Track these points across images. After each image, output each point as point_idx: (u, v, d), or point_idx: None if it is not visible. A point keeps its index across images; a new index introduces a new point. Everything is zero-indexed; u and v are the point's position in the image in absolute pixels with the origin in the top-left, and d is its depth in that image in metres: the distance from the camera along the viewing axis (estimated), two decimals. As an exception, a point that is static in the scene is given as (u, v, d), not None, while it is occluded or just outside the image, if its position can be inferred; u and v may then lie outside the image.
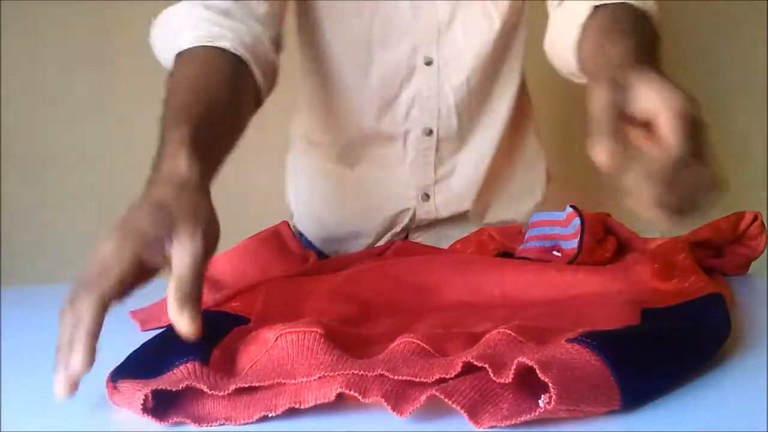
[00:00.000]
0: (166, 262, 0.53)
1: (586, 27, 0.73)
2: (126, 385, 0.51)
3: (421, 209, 0.99)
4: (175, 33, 0.74)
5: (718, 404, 0.51)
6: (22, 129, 1.65)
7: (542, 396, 0.44)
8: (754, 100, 1.61)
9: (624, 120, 0.52)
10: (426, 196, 0.99)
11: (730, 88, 1.62)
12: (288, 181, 1.12)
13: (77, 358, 0.50)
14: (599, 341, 0.48)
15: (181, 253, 0.52)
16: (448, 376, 0.47)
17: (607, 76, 0.55)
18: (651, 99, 0.52)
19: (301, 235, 1.10)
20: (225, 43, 0.72)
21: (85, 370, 0.50)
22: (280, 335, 0.52)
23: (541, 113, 1.12)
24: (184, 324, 0.51)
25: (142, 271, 0.53)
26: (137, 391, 0.49)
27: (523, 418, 0.44)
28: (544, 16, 0.90)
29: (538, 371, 0.44)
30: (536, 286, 0.68)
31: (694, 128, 0.51)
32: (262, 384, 0.49)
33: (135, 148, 1.72)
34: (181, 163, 0.58)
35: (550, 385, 0.44)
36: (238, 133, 0.72)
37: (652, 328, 0.55)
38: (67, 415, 0.54)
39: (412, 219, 1.00)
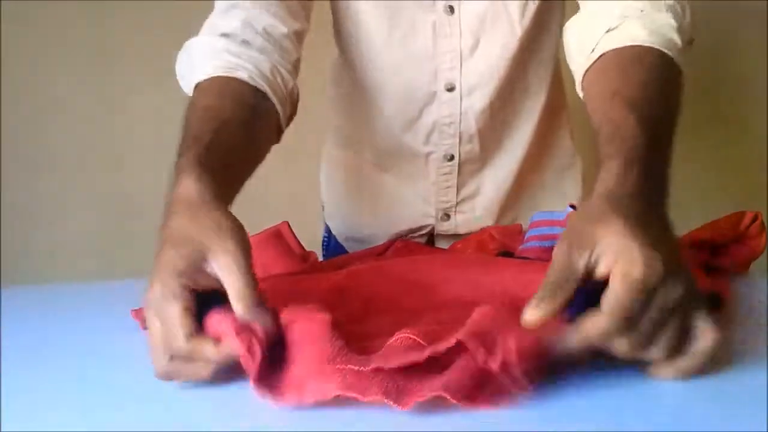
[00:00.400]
0: (215, 281, 0.53)
1: (590, 77, 0.69)
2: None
3: (440, 227, 0.98)
4: (195, 64, 0.75)
5: (718, 404, 0.51)
6: (22, 129, 1.65)
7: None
8: (754, 100, 1.61)
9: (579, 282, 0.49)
10: (446, 216, 0.98)
11: (730, 88, 1.62)
12: (322, 173, 1.09)
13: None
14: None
15: (226, 273, 0.52)
16: (439, 352, 0.47)
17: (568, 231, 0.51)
18: (609, 265, 0.48)
19: (328, 231, 1.09)
20: (243, 74, 0.73)
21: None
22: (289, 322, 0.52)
23: (574, 112, 1.08)
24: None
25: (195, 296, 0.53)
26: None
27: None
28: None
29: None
30: (537, 285, 0.67)
31: (642, 296, 0.47)
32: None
33: (135, 149, 1.73)
34: (191, 186, 0.57)
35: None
36: (254, 158, 0.72)
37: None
38: (67, 415, 0.54)
39: (431, 234, 1.00)
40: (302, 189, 1.38)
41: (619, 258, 0.47)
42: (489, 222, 0.98)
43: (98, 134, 1.67)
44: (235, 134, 0.67)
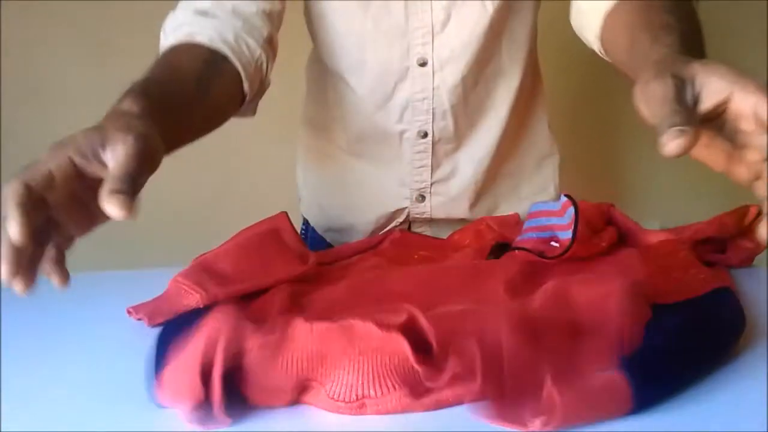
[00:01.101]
0: (104, 168, 0.53)
1: (613, 16, 0.73)
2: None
3: (415, 210, 0.99)
4: (163, 35, 0.78)
5: (721, 399, 0.51)
6: (22, 129, 1.65)
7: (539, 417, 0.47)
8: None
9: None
10: (421, 197, 0.98)
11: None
12: (298, 166, 1.10)
13: (12, 226, 0.49)
14: (630, 360, 0.50)
15: (114, 154, 0.52)
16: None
17: (662, 69, 0.51)
18: (720, 83, 0.48)
19: (306, 222, 1.09)
20: (203, 39, 0.75)
21: (21, 239, 0.48)
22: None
23: (552, 104, 1.09)
24: (114, 211, 0.49)
25: (77, 175, 0.53)
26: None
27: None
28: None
29: (555, 394, 0.47)
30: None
31: None
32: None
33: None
34: (123, 103, 0.59)
35: (557, 411, 0.46)
36: (208, 111, 0.73)
37: (668, 335, 0.55)
38: (67, 415, 0.54)
39: (407, 218, 1.00)
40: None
41: (732, 77, 0.47)
42: (464, 206, 0.98)
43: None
44: (185, 80, 0.69)
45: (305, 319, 0.54)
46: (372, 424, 0.49)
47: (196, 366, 0.50)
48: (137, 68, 1.67)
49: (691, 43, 0.59)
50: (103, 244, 1.68)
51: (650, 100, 0.49)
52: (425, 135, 0.93)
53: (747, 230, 0.80)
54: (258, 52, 0.80)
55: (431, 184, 0.97)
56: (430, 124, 0.92)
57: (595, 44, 0.79)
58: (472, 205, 0.99)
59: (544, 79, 1.04)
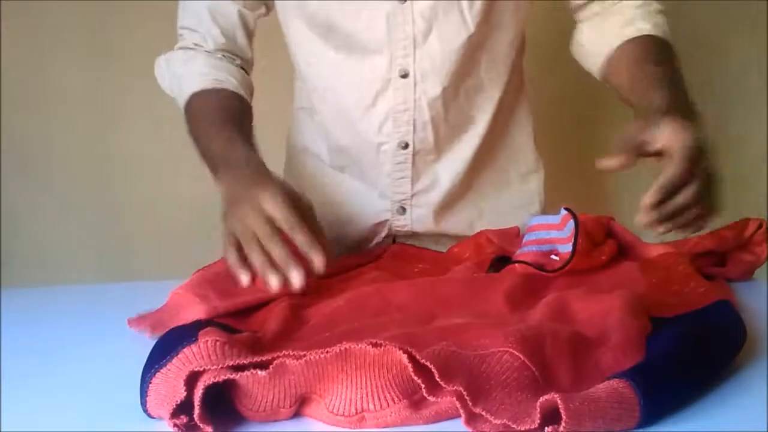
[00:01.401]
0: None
1: (618, 54, 0.91)
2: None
3: (396, 222, 0.99)
4: (185, 76, 0.95)
5: (722, 412, 0.51)
6: (22, 129, 1.65)
7: (546, 428, 0.47)
8: (754, 100, 1.60)
9: (640, 153, 0.70)
10: (402, 209, 0.98)
11: (730, 88, 1.61)
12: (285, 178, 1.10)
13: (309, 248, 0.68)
14: (635, 371, 0.51)
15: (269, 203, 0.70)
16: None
17: (639, 117, 0.75)
18: (668, 137, 0.70)
19: None
20: (229, 87, 0.95)
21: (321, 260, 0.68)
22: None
23: (542, 114, 1.10)
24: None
25: None
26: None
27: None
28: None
29: (560, 404, 0.46)
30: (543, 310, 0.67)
31: (699, 158, 0.69)
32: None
33: (135, 149, 1.72)
34: (245, 151, 0.82)
35: (563, 418, 0.46)
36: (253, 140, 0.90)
37: (670, 347, 0.56)
38: (67, 415, 0.55)
39: (390, 233, 0.99)
40: None
41: (677, 133, 0.69)
42: (445, 218, 0.99)
43: (99, 135, 1.67)
44: (241, 121, 0.91)
45: (297, 350, 0.53)
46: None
47: (181, 379, 0.50)
48: (136, 72, 1.67)
49: (676, 89, 0.81)
50: (104, 256, 1.69)
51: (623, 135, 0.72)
52: (406, 146, 0.94)
53: (747, 243, 0.80)
54: (250, 81, 1.01)
55: (411, 196, 0.97)
56: (411, 135, 0.93)
57: (596, 75, 0.97)
58: (454, 218, 0.99)
59: (534, 95, 1.05)
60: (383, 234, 0.99)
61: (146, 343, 0.67)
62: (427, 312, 0.66)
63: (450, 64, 0.91)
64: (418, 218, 0.98)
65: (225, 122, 0.87)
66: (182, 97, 0.94)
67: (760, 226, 0.80)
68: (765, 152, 1.58)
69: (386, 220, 0.99)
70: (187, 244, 1.61)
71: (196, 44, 0.97)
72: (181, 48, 0.98)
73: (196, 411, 0.50)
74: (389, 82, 0.92)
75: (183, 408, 0.50)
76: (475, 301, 0.69)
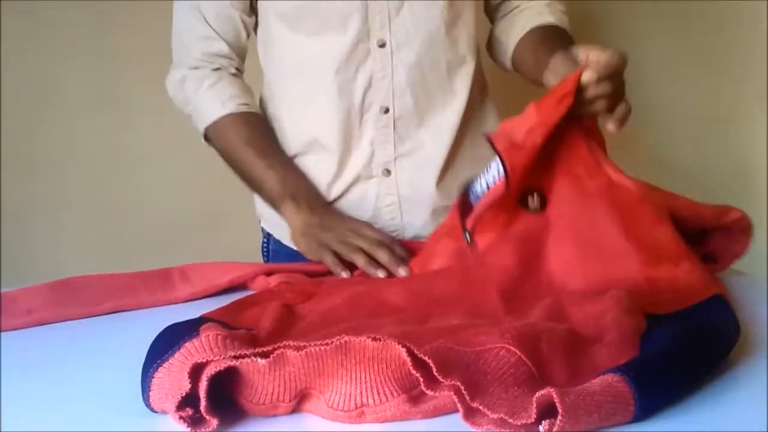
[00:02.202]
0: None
1: (525, 37, 1.05)
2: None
3: (383, 185, 1.04)
4: (212, 99, 1.05)
5: (720, 407, 0.51)
6: (22, 129, 1.65)
7: (543, 422, 0.47)
8: (754, 100, 1.60)
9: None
10: (387, 171, 1.03)
11: (730, 88, 1.62)
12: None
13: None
14: (629, 366, 0.51)
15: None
16: None
17: (558, 53, 0.89)
18: (591, 49, 0.83)
19: (267, 235, 1.14)
20: (253, 109, 1.07)
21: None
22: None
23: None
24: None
25: None
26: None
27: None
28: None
29: (555, 399, 0.47)
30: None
31: (621, 64, 0.81)
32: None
33: (135, 149, 1.73)
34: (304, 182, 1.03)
35: (560, 412, 0.47)
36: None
37: (665, 343, 0.56)
38: (67, 415, 0.55)
39: (378, 198, 1.04)
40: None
41: (595, 47, 0.82)
42: (430, 181, 1.04)
43: (98, 135, 1.67)
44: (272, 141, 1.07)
45: (297, 341, 0.54)
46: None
47: (185, 372, 0.51)
48: (137, 69, 1.66)
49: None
50: (104, 256, 1.69)
51: (557, 72, 0.86)
52: (387, 110, 1.02)
53: (728, 230, 0.80)
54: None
55: (395, 159, 1.03)
56: (391, 100, 1.01)
57: (507, 64, 1.10)
58: (438, 182, 1.04)
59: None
60: (370, 203, 1.04)
61: (146, 342, 0.68)
62: (422, 312, 0.66)
63: (423, 34, 1.01)
64: (404, 180, 1.03)
65: (273, 148, 1.04)
66: (208, 118, 1.04)
67: (741, 217, 0.80)
68: (766, 149, 1.57)
69: (374, 177, 1.03)
70: (187, 244, 1.62)
71: (212, 55, 1.05)
72: (194, 63, 1.06)
73: (202, 402, 0.50)
74: (368, 51, 1.00)
75: (187, 401, 0.51)
76: (469, 297, 0.70)
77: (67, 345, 0.72)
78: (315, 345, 0.52)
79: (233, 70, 1.07)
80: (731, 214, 0.80)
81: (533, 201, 0.80)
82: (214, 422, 0.51)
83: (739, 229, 0.81)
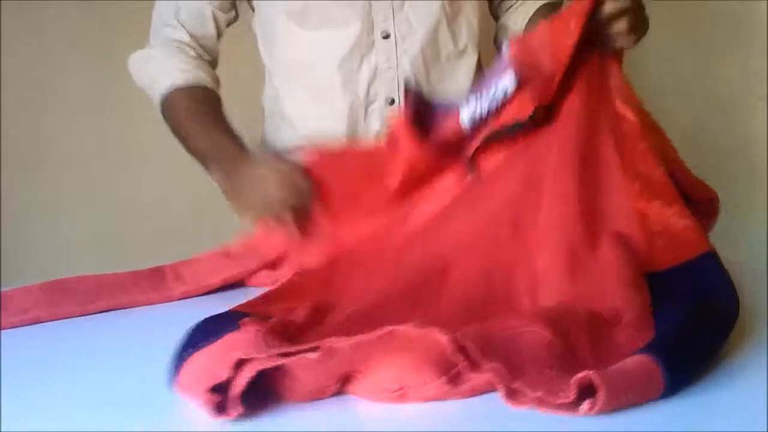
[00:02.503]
0: None
1: (533, 16, 1.05)
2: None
3: None
4: (165, 72, 1.05)
5: (721, 398, 0.54)
6: (22, 129, 1.65)
7: (583, 402, 0.50)
8: (754, 100, 1.61)
9: None
10: None
11: (730, 88, 1.63)
12: None
13: None
14: (653, 346, 0.55)
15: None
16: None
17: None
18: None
19: None
20: (207, 84, 1.06)
21: None
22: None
23: None
24: None
25: None
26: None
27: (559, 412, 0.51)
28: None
29: (596, 381, 0.50)
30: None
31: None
32: None
33: (135, 148, 1.73)
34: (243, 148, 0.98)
35: (601, 392, 0.49)
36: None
37: (679, 323, 0.60)
38: (67, 415, 0.56)
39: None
40: None
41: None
42: None
43: (98, 135, 1.67)
44: (224, 116, 1.04)
45: (335, 332, 0.57)
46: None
47: (224, 361, 0.53)
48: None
49: None
50: (104, 256, 1.69)
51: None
52: (393, 102, 1.04)
53: (696, 206, 0.78)
54: (217, 76, 1.11)
55: None
56: (396, 91, 1.03)
57: None
58: None
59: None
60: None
61: (146, 341, 0.70)
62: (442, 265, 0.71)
63: (425, 27, 1.03)
64: None
65: (211, 116, 1.02)
66: (158, 91, 1.05)
67: (714, 199, 0.81)
68: (765, 149, 1.59)
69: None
70: (188, 243, 1.62)
71: (175, 41, 1.06)
72: (157, 44, 1.08)
73: (235, 393, 0.52)
74: (373, 43, 1.03)
75: (215, 388, 0.53)
76: (483, 232, 0.74)
77: (63, 343, 0.73)
78: (362, 336, 0.54)
79: (193, 54, 1.07)
80: (707, 192, 0.80)
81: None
82: (238, 412, 0.53)
83: (707, 210, 0.80)
